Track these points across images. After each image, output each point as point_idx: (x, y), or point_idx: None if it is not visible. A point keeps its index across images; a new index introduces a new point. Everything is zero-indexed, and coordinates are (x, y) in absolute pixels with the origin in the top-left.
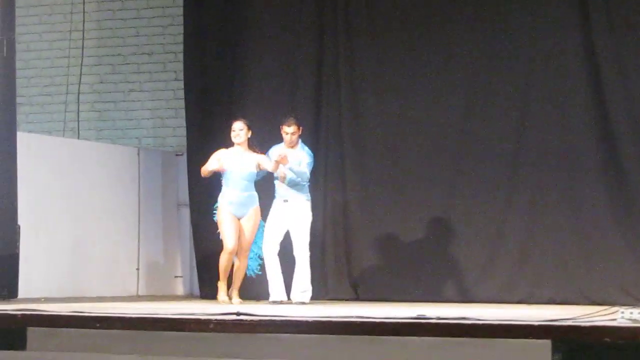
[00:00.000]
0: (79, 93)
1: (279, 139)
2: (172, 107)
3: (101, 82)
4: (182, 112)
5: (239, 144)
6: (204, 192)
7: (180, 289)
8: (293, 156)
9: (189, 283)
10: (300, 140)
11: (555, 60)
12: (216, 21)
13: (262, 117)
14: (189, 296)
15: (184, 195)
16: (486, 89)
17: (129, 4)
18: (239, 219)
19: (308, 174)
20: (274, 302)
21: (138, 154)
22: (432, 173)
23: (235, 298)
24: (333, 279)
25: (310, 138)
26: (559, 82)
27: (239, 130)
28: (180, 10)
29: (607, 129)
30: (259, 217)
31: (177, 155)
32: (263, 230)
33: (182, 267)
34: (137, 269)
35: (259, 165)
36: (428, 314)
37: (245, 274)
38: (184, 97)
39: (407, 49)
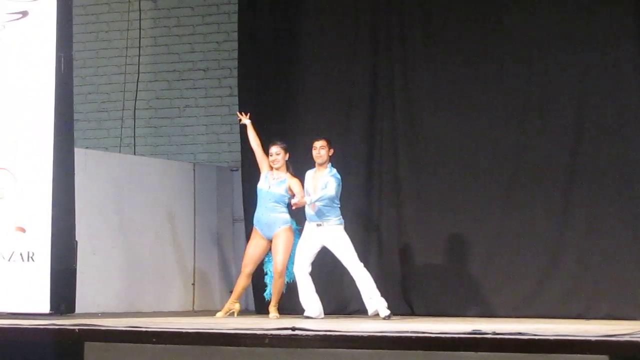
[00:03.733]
0: (135, 109)
1: (333, 158)
2: (227, 123)
3: (157, 98)
4: (237, 128)
5: (277, 169)
6: None
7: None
8: (319, 179)
9: (244, 298)
10: (330, 164)
11: (612, 70)
12: (271, 37)
13: (315, 134)
14: (243, 311)
15: (239, 210)
16: (542, 101)
17: (185, 20)
18: (268, 240)
19: (333, 193)
20: (308, 317)
21: (193, 169)
22: (487, 187)
23: (273, 313)
24: (388, 295)
25: (365, 154)
26: (616, 93)
27: (276, 155)
28: (235, 27)
29: None
30: (292, 237)
31: (232, 170)
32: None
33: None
34: (193, 284)
35: (290, 189)
36: (484, 329)
37: (282, 292)
38: None
39: (462, 62)
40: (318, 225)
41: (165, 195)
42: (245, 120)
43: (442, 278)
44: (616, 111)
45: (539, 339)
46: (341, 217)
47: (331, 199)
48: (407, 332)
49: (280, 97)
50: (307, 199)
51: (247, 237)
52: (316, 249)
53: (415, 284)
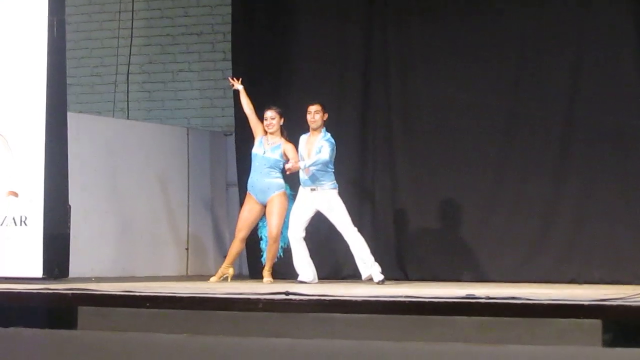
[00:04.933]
0: (128, 73)
1: (327, 122)
2: (220, 88)
3: (150, 63)
4: (231, 92)
5: (271, 133)
6: None
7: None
8: (314, 143)
9: (238, 263)
10: (325, 129)
11: (607, 37)
12: (265, 1)
13: (309, 98)
14: (237, 276)
15: (233, 175)
16: (536, 68)
17: None
18: (262, 205)
19: (327, 158)
20: (301, 282)
21: (187, 134)
22: (481, 154)
23: (267, 277)
24: (382, 260)
25: (358, 121)
26: (611, 55)
27: (271, 119)
28: None
29: None
30: (286, 202)
31: (225, 135)
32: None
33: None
34: (186, 249)
35: (284, 154)
36: (477, 294)
37: (278, 257)
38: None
39: (456, 29)
40: (312, 190)
41: (158, 160)
42: (238, 85)
43: (435, 243)
44: (611, 74)
45: (532, 304)
46: (335, 181)
47: (325, 164)
48: (400, 296)
49: (274, 61)
50: (300, 164)
51: (241, 203)
52: (310, 214)
53: (409, 249)
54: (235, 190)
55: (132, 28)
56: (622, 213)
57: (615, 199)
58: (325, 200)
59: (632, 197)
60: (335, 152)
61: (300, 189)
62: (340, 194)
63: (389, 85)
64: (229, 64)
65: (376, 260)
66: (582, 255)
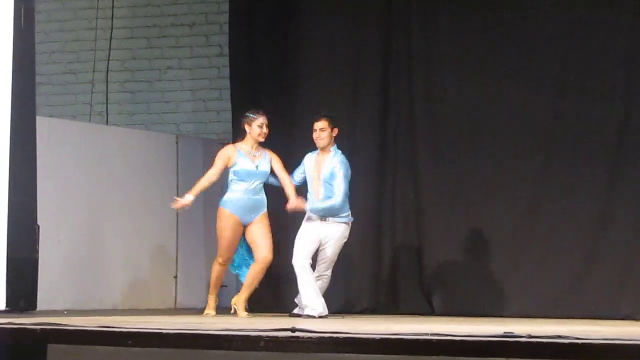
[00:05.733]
0: (107, 71)
1: (337, 126)
2: (215, 88)
3: (134, 59)
4: (228, 94)
5: (259, 143)
6: None
7: (225, 301)
8: (323, 164)
9: (235, 294)
10: (335, 147)
11: None
12: None
13: (319, 100)
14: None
15: None
16: (583, 67)
17: None
18: (243, 227)
19: (341, 199)
20: (309, 316)
21: (176, 142)
22: (519, 166)
23: (242, 310)
24: (404, 291)
25: (377, 128)
26: None
27: (266, 127)
28: None
29: None
30: (268, 223)
31: (221, 143)
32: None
33: (226, 276)
34: (175, 277)
35: (272, 165)
36: (517, 332)
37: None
38: (229, 76)
39: (490, 20)
40: (322, 220)
41: (143, 173)
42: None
43: (466, 273)
44: None
45: (581, 343)
46: (350, 213)
47: (339, 201)
48: (426, 334)
49: (277, 57)
50: (307, 205)
51: None
52: (316, 245)
53: (436, 279)
54: None
55: (112, 17)
56: None
57: None
58: (334, 232)
59: None
60: (350, 174)
61: (308, 214)
62: (357, 218)
63: (411, 95)
64: (226, 60)
65: (397, 290)
66: (638, 287)
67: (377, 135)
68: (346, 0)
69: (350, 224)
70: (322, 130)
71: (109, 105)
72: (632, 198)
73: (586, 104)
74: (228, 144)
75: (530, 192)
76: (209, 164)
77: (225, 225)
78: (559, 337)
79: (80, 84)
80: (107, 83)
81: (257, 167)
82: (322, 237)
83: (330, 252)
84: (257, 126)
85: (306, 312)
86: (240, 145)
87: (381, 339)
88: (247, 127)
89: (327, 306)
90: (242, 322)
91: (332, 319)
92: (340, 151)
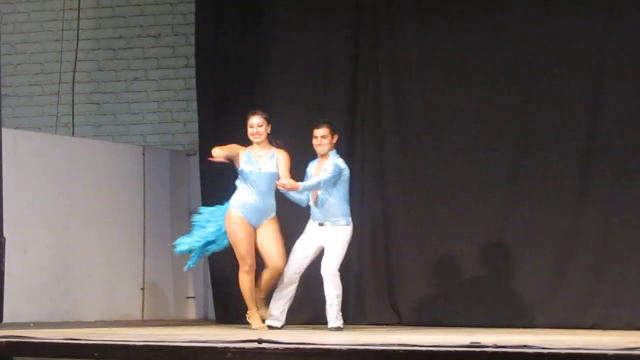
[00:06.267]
0: (73, 82)
1: (306, 138)
2: (182, 99)
3: (100, 70)
4: (194, 105)
5: (258, 143)
6: (220, 197)
7: (192, 312)
8: (321, 169)
9: (203, 305)
10: (334, 152)
11: (635, 47)
12: None
13: (287, 112)
14: (202, 320)
15: (197, 202)
16: (552, 72)
17: None
18: (254, 230)
19: (327, 177)
20: (272, 327)
21: (143, 154)
22: (487, 175)
23: (258, 321)
24: (372, 301)
25: (344, 136)
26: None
27: (258, 127)
28: None
29: None
30: (278, 227)
31: (188, 154)
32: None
33: (194, 287)
34: (142, 289)
35: (277, 165)
36: (483, 342)
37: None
38: (195, 87)
39: (458, 28)
40: (320, 224)
41: (109, 184)
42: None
43: (434, 283)
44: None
45: (548, 353)
46: (350, 217)
47: (328, 185)
48: (393, 344)
49: (245, 67)
50: (299, 184)
51: None
52: (313, 252)
53: (404, 289)
54: None
55: (78, 29)
56: None
57: None
58: (333, 233)
59: None
60: (347, 178)
61: (310, 222)
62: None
63: (379, 101)
64: (193, 72)
65: (364, 301)
66: (606, 296)
67: (344, 142)
68: (314, 11)
69: (351, 228)
70: (323, 138)
71: (75, 117)
72: (600, 210)
73: (552, 119)
74: (194, 154)
75: (498, 202)
76: (175, 175)
77: (237, 228)
78: (525, 346)
79: (46, 95)
80: (73, 94)
81: (259, 169)
82: (321, 243)
83: (331, 253)
84: (249, 126)
85: (268, 322)
86: (251, 147)
87: (349, 350)
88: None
89: (295, 317)
90: (209, 333)
91: (300, 329)
92: (339, 156)
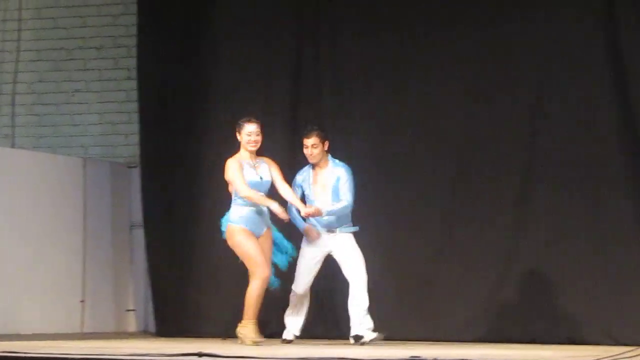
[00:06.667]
0: (14, 94)
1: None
2: (124, 111)
3: (40, 81)
4: (136, 117)
5: (252, 152)
6: (162, 211)
7: (132, 325)
8: (323, 177)
9: (143, 318)
10: (330, 156)
11: (575, 58)
12: (176, 9)
13: (229, 123)
14: (142, 333)
15: (138, 215)
16: (492, 90)
17: None
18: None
19: (350, 200)
20: (284, 341)
21: (84, 166)
22: (430, 190)
23: (253, 335)
24: (313, 314)
25: (286, 151)
26: (578, 80)
27: (256, 136)
28: None
29: (636, 138)
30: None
31: (129, 167)
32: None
33: (134, 299)
34: (82, 302)
35: (270, 173)
36: (424, 355)
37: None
38: (137, 100)
39: (400, 45)
40: (330, 231)
41: (49, 196)
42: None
43: (378, 296)
44: (579, 101)
45: None
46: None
47: (348, 208)
48: (333, 358)
49: (188, 80)
50: (323, 210)
51: (148, 246)
52: (319, 265)
53: (344, 302)
54: (140, 232)
55: (19, 40)
56: (592, 263)
57: (584, 247)
58: (341, 243)
59: (601, 244)
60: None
61: (305, 240)
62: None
63: (320, 110)
64: (134, 84)
65: (310, 313)
66: (548, 310)
67: (287, 156)
68: (256, 23)
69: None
70: (314, 147)
71: (15, 128)
72: (541, 225)
73: (494, 128)
74: (136, 167)
75: (441, 216)
76: (116, 187)
77: (243, 238)
78: None
79: None
80: (13, 106)
81: (260, 177)
82: (327, 252)
83: (355, 263)
84: (246, 134)
85: (288, 336)
86: (240, 156)
87: None
88: (238, 136)
89: (234, 329)
90: (150, 346)
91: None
92: (342, 163)
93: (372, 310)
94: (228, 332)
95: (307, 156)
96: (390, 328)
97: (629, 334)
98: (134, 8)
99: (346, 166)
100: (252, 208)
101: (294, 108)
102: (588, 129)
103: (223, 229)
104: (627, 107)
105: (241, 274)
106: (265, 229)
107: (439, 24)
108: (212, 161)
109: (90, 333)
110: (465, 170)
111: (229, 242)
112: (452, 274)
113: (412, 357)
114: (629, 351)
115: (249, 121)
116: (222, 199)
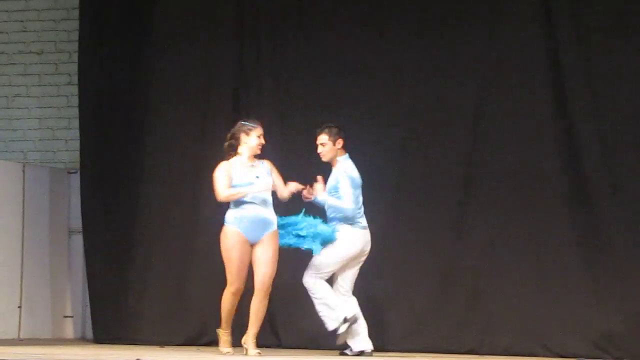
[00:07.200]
0: None
1: (188, 155)
2: (64, 117)
3: None
4: (76, 123)
5: (255, 156)
6: (101, 217)
7: (70, 332)
8: (331, 175)
9: (81, 324)
10: (343, 158)
11: (515, 71)
12: (119, 15)
13: (169, 129)
14: (80, 340)
15: (77, 221)
16: (433, 101)
17: None
18: (251, 246)
19: (349, 207)
20: (362, 354)
21: (23, 171)
22: (366, 199)
23: (252, 348)
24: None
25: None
26: (518, 94)
27: (263, 138)
28: (76, 2)
29: (573, 148)
30: (277, 244)
31: (69, 172)
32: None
33: (72, 306)
34: (19, 307)
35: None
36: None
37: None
38: (78, 105)
39: (339, 53)
40: (364, 228)
41: None
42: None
43: (313, 305)
44: (518, 114)
45: None
46: (363, 224)
47: (342, 212)
48: None
49: (129, 86)
50: (323, 195)
51: (87, 252)
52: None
53: (283, 311)
54: (79, 237)
55: None
56: (531, 272)
57: (523, 256)
58: (349, 240)
59: (542, 253)
60: (358, 185)
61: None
62: (205, 237)
63: (260, 115)
64: (75, 89)
65: (244, 322)
66: (484, 321)
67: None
68: (197, 29)
69: (366, 233)
70: (322, 145)
71: None
72: (478, 237)
73: (434, 139)
74: (75, 172)
75: (378, 226)
76: (55, 192)
77: (233, 245)
78: None
79: None
80: None
81: (257, 177)
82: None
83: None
84: (256, 136)
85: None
86: (234, 159)
87: None
88: (243, 138)
89: (172, 337)
90: (87, 353)
91: (177, 350)
92: (350, 160)
93: (311, 320)
94: (166, 339)
95: (319, 154)
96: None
97: (565, 346)
98: (75, 13)
99: (349, 167)
100: (250, 210)
101: (235, 113)
102: (527, 138)
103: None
104: (567, 116)
105: (178, 281)
106: (265, 234)
107: (381, 29)
108: (152, 167)
109: (28, 339)
110: (405, 179)
111: (221, 243)
112: (388, 286)
113: None
114: None
115: (258, 123)
116: (162, 205)
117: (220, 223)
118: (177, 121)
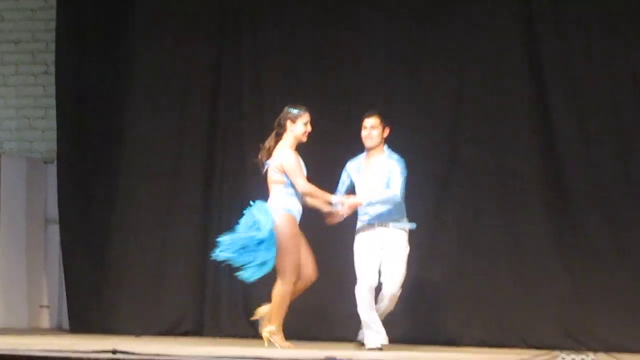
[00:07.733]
0: None
1: (158, 150)
2: (41, 106)
3: None
4: (53, 112)
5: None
6: (77, 207)
7: (46, 321)
8: (373, 167)
9: (57, 314)
10: (386, 146)
11: (493, 68)
12: (96, 5)
13: (147, 120)
14: (56, 330)
15: (53, 211)
16: (409, 98)
17: None
18: None
19: (399, 194)
20: (372, 349)
21: None
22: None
23: (282, 339)
24: (227, 313)
25: (205, 152)
26: (496, 91)
27: (309, 126)
28: None
29: (551, 147)
30: None
31: (46, 162)
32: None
33: (48, 296)
34: None
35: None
36: (339, 356)
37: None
38: (55, 95)
39: (317, 49)
40: (382, 225)
41: None
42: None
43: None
44: (496, 111)
45: None
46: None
47: (395, 200)
48: (247, 357)
49: (106, 76)
50: (362, 199)
51: (63, 242)
52: (380, 258)
53: (259, 300)
54: (55, 228)
55: None
56: (506, 263)
57: (499, 249)
58: (395, 239)
59: (516, 248)
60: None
61: (363, 225)
62: (177, 226)
63: (240, 111)
64: (52, 79)
65: (220, 312)
66: (460, 313)
67: (205, 156)
68: (176, 21)
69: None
70: (372, 128)
71: None
72: (456, 226)
73: (412, 136)
74: (52, 162)
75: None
76: (32, 182)
77: (294, 234)
78: None
79: None
80: None
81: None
82: (381, 246)
83: (397, 265)
84: (303, 124)
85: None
86: (289, 148)
87: None
88: (289, 125)
89: (148, 326)
90: (63, 343)
91: (156, 340)
92: (396, 154)
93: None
94: (142, 329)
95: (363, 138)
96: (308, 328)
97: (541, 337)
98: (53, 2)
99: (401, 159)
100: (298, 200)
101: (214, 108)
102: (504, 136)
103: (270, 217)
104: (545, 115)
105: (154, 272)
106: None
107: (358, 24)
108: (129, 158)
109: (3, 329)
110: None
111: (280, 231)
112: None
113: (327, 357)
114: (541, 355)
115: (305, 110)
116: (139, 196)
117: (196, 215)
118: (156, 112)
